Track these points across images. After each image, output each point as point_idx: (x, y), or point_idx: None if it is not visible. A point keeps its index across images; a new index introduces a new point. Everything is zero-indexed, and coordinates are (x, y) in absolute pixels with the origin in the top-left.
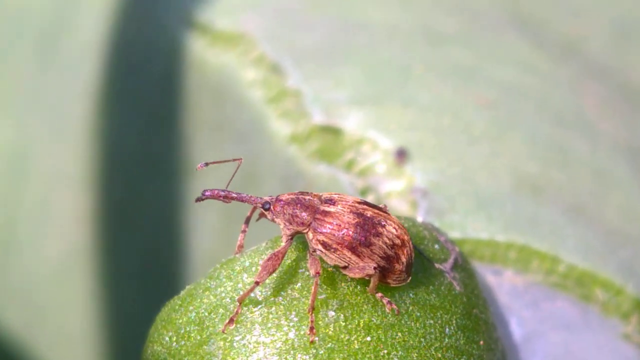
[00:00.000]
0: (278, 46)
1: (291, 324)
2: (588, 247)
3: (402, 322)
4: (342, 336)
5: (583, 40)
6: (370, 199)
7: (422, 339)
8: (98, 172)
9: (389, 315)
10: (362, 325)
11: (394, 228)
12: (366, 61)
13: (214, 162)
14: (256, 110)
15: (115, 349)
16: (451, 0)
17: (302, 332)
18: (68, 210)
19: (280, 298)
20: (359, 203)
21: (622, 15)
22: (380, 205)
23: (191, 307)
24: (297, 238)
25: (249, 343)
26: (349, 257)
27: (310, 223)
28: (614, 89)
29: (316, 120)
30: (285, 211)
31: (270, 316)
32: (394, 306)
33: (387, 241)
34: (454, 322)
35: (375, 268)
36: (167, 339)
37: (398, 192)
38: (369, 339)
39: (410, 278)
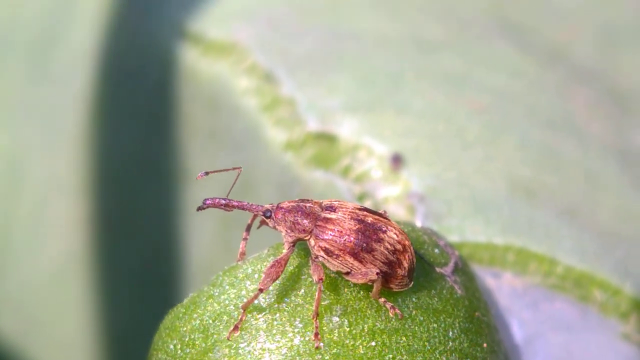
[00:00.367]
0: (270, 55)
1: (296, 330)
2: (584, 249)
3: (406, 326)
4: (347, 341)
5: (569, 45)
6: (367, 204)
7: (427, 343)
8: (93, 179)
9: (393, 320)
10: (366, 330)
11: (395, 233)
12: (358, 69)
13: (214, 172)
14: (251, 118)
15: (111, 356)
16: (439, 8)
17: (307, 338)
18: (63, 217)
19: (284, 305)
20: (360, 209)
21: (607, 20)
22: (380, 211)
23: (195, 315)
24: (298, 245)
25: (255, 350)
26: (352, 263)
27: (312, 230)
28: (602, 93)
29: (311, 127)
30: (286, 218)
31: (275, 323)
32: (398, 311)
33: (389, 247)
34: (457, 325)
35: (378, 273)
36: (171, 347)
37: (395, 197)
38: (373, 343)
39: (412, 283)
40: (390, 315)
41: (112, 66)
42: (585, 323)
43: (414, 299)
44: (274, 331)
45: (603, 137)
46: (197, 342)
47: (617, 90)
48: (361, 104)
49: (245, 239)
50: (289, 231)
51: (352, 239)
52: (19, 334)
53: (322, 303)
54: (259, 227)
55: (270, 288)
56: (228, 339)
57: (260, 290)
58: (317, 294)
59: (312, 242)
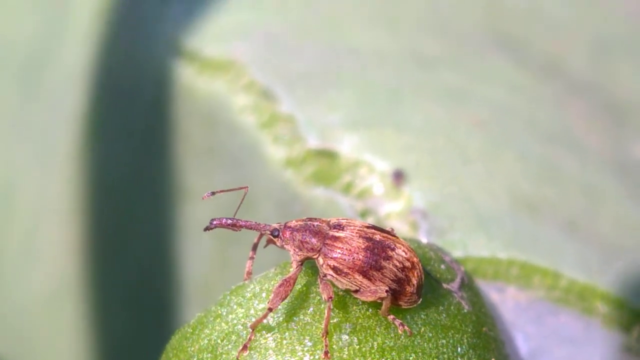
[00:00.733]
0: (268, 72)
1: (305, 348)
2: (586, 261)
3: (415, 343)
4: (357, 359)
5: (564, 58)
6: (370, 220)
7: (436, 359)
8: (87, 200)
9: (402, 337)
10: (376, 347)
11: (404, 251)
12: (357, 85)
13: (220, 191)
14: (250, 136)
15: None
16: (435, 23)
17: (316, 357)
18: (57, 239)
19: (293, 323)
20: (368, 227)
21: (601, 32)
22: (388, 229)
23: (203, 335)
24: (306, 263)
25: None
26: (361, 281)
27: (320, 249)
28: (598, 105)
29: (311, 144)
30: (294, 237)
31: (284, 342)
32: (407, 328)
33: (398, 264)
34: (466, 341)
35: (387, 291)
36: None
37: (397, 213)
38: None
39: (421, 299)
40: (400, 332)
41: (107, 85)
42: (589, 335)
43: (422, 316)
44: (284, 350)
45: (601, 149)
46: None
47: (613, 101)
48: (361, 120)
49: (251, 258)
50: (297, 250)
51: (360, 257)
52: (13, 357)
53: (331, 321)
54: (265, 246)
55: (279, 307)
56: (237, 359)
57: (270, 310)
58: (326, 312)
59: (321, 260)
